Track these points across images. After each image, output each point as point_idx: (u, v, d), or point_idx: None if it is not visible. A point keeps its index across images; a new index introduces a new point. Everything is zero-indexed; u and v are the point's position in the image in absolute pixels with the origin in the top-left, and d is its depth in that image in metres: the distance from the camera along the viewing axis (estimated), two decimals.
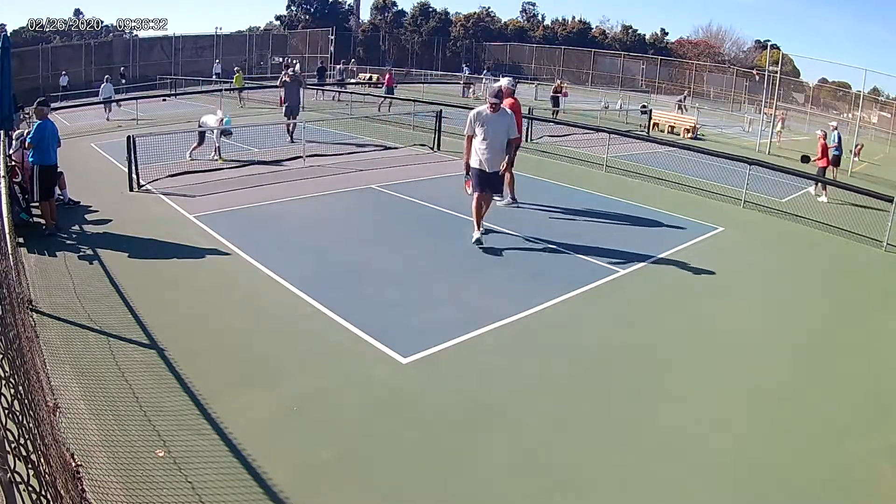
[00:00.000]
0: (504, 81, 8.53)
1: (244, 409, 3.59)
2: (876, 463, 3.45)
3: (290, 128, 13.02)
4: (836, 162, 12.04)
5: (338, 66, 27.53)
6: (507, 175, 8.29)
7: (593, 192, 9.74)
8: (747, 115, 25.66)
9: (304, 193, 8.87)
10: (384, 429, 3.52)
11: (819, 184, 10.88)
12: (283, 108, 13.58)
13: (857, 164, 15.68)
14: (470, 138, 6.70)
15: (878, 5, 61.11)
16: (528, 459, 3.33)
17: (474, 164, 6.66)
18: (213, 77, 28.82)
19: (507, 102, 8.15)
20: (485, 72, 36.33)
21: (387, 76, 22.85)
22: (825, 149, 11.44)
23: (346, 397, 3.83)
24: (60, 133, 7.43)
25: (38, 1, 73.87)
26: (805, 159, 13.89)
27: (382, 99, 19.58)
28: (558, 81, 22.11)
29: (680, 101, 25.83)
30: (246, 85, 24.78)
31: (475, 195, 6.71)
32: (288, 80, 13.53)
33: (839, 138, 12.26)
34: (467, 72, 34.89)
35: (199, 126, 10.85)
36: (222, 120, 10.63)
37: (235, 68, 25.83)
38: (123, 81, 27.34)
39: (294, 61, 36.63)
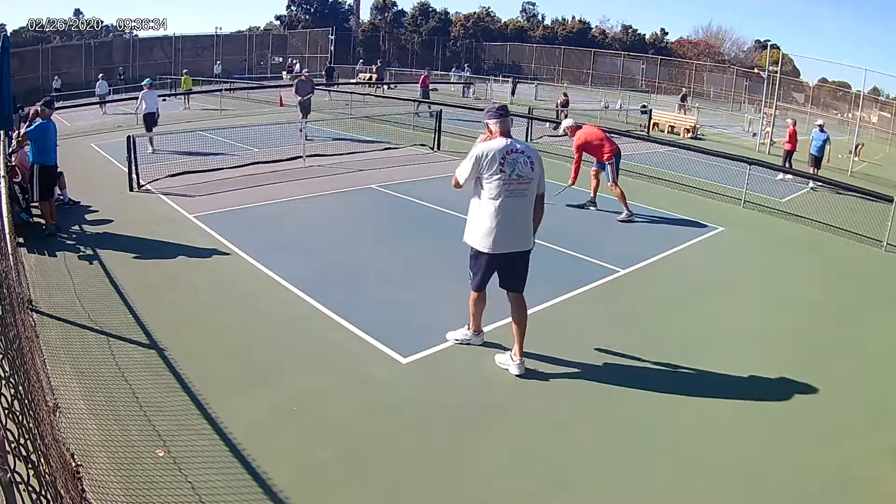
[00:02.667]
0: (566, 123, 8.42)
1: (244, 409, 3.59)
2: (876, 463, 3.45)
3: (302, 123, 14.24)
4: (816, 163, 12.51)
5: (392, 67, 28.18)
6: (617, 190, 8.05)
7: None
8: (747, 115, 25.67)
9: (304, 193, 8.87)
10: (384, 429, 3.52)
11: (786, 166, 12.36)
12: (298, 106, 14.51)
13: (857, 163, 15.68)
14: (458, 185, 4.04)
15: (878, 5, 61.26)
16: (529, 459, 3.33)
17: (483, 243, 3.91)
18: (214, 77, 28.94)
19: (596, 135, 8.15)
20: (454, 69, 36.24)
21: (422, 77, 21.18)
22: (793, 135, 12.89)
23: (346, 397, 3.83)
24: (60, 133, 7.44)
25: (38, 1, 74.05)
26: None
27: (417, 104, 18.46)
28: (563, 96, 20.87)
29: (683, 97, 25.80)
30: (247, 86, 24.81)
31: (475, 294, 4.18)
32: (303, 80, 14.74)
33: (823, 140, 12.44)
34: (469, 72, 34.83)
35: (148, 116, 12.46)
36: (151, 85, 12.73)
37: (184, 71, 23.88)
38: (121, 79, 27.36)
39: (294, 61, 36.72)
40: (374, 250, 6.60)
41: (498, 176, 3.82)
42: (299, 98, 14.40)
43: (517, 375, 4.06)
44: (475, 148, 3.94)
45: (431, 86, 21.80)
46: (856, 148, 16.23)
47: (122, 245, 6.47)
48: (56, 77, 27.12)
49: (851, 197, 9.80)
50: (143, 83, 12.84)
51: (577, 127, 8.36)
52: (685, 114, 22.53)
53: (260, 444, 3.25)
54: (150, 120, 12.41)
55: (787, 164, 12.58)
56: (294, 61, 36.56)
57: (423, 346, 4.41)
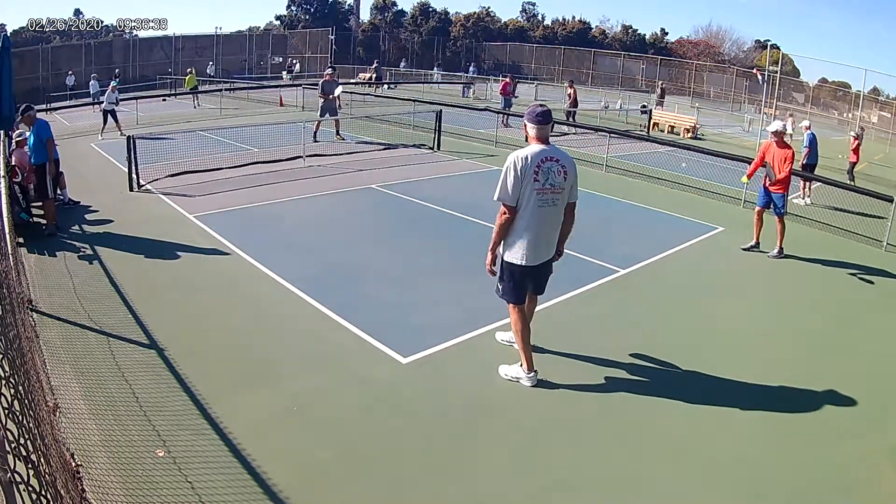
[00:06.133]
0: (777, 125, 7.27)
1: (244, 409, 3.59)
2: (876, 463, 3.46)
3: (336, 126, 13.93)
4: (812, 172, 10.76)
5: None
6: (780, 224, 7.08)
7: (593, 192, 9.73)
8: (747, 115, 25.65)
9: (304, 193, 8.87)
10: (384, 429, 3.52)
11: (849, 180, 11.67)
12: (320, 109, 13.56)
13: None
14: (511, 211, 3.72)
15: (878, 5, 61.21)
16: (528, 459, 3.33)
17: (518, 256, 3.80)
18: (208, 77, 29.06)
19: (784, 154, 6.88)
20: (436, 67, 36.05)
21: (502, 84, 18.63)
22: (858, 147, 12.37)
23: (346, 397, 3.83)
24: (61, 133, 7.43)
25: (38, 1, 74.04)
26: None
27: (503, 116, 16.95)
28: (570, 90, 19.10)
29: (662, 93, 25.59)
30: (247, 86, 24.74)
31: (515, 309, 3.95)
32: (328, 79, 13.60)
33: (812, 142, 10.88)
34: (474, 72, 34.72)
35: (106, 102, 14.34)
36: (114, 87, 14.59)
37: (188, 70, 23.83)
38: (116, 79, 27.40)
39: (294, 62, 36.65)
40: (374, 250, 6.60)
41: (531, 185, 3.66)
42: (327, 97, 13.24)
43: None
44: (509, 158, 3.73)
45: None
46: (853, 139, 15.69)
47: (123, 245, 6.47)
48: (70, 74, 27.17)
49: (851, 202, 9.77)
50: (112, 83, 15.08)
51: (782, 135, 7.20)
52: (662, 109, 21.97)
53: (260, 444, 3.25)
54: (110, 115, 14.31)
55: (850, 178, 12.06)
56: (294, 61, 36.52)
57: (423, 346, 4.41)
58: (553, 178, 3.70)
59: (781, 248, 7.20)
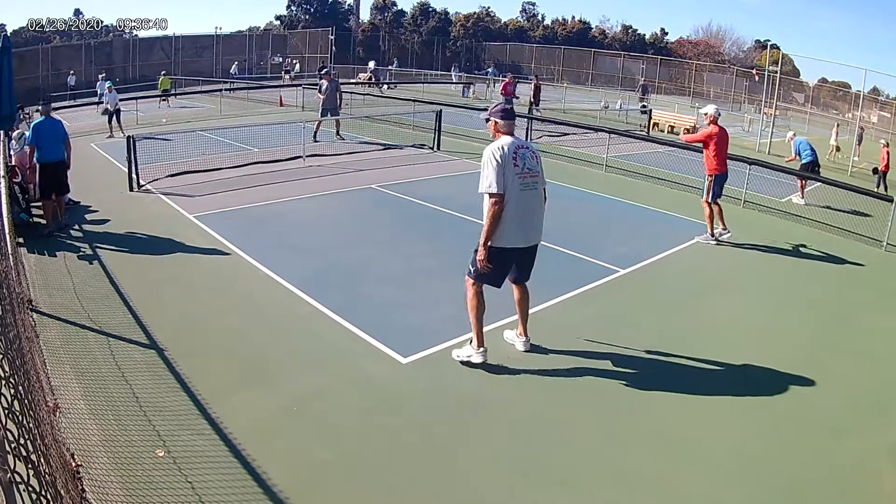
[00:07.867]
0: (710, 109, 7.68)
1: (244, 409, 3.59)
2: (876, 462, 3.46)
3: (336, 126, 13.94)
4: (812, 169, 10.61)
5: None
6: (712, 208, 7.39)
7: (593, 191, 9.74)
8: (747, 115, 25.64)
9: (304, 193, 8.87)
10: (384, 429, 3.52)
11: (879, 189, 11.53)
12: (321, 109, 13.55)
13: (857, 163, 15.64)
14: (501, 199, 3.88)
15: (878, 5, 61.26)
16: (528, 459, 3.33)
17: (504, 239, 3.97)
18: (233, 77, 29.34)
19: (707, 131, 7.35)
20: (454, 68, 35.84)
21: (503, 84, 17.68)
22: (887, 155, 12.39)
23: (346, 397, 3.83)
24: None
25: (38, 1, 74.01)
26: (875, 171, 13.27)
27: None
28: (533, 78, 18.95)
29: (644, 90, 25.40)
30: (247, 86, 24.73)
31: (475, 287, 4.12)
32: (326, 81, 13.50)
33: (798, 149, 10.79)
34: (493, 73, 34.48)
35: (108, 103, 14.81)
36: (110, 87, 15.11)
37: (162, 72, 24.03)
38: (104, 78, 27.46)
39: (294, 62, 36.60)
40: (374, 250, 6.60)
41: (513, 171, 3.94)
42: (326, 97, 13.28)
43: (524, 351, 4.38)
44: (487, 151, 4.00)
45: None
46: (882, 147, 15.45)
47: (123, 245, 6.47)
48: (72, 74, 27.19)
49: (851, 202, 9.77)
50: (106, 84, 15.87)
51: (716, 120, 7.60)
52: (648, 104, 21.76)
53: (260, 444, 3.26)
54: (113, 115, 14.72)
55: (880, 187, 11.86)
56: (294, 62, 36.49)
57: (422, 346, 4.41)
58: (529, 163, 4.03)
59: (712, 233, 7.49)
